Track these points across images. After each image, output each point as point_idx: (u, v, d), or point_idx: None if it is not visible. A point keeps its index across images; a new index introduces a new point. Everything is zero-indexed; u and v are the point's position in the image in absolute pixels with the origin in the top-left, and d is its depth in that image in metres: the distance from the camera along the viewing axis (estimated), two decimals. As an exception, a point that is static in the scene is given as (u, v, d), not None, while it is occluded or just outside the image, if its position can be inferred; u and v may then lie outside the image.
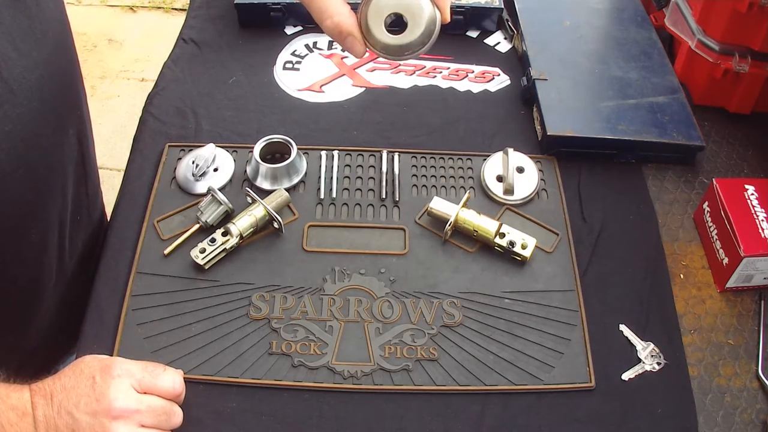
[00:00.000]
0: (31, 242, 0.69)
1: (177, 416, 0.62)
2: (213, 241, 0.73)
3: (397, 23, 0.57)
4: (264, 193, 0.78)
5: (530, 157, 0.84)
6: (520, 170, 0.83)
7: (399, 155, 0.85)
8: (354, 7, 0.58)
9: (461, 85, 0.96)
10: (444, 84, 0.96)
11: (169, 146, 0.85)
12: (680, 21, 0.95)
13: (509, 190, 0.81)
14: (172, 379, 0.63)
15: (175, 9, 2.59)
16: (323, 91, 0.93)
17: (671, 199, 0.84)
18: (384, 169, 0.83)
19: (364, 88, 0.94)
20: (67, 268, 0.77)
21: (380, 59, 0.62)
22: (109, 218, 0.81)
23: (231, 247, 0.74)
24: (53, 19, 0.66)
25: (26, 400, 0.59)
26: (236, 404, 0.64)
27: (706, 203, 0.79)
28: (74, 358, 0.68)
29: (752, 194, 0.75)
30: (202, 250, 0.72)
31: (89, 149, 0.80)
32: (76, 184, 0.76)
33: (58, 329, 0.80)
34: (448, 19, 0.57)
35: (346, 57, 0.98)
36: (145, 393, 0.61)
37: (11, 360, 0.73)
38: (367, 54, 0.59)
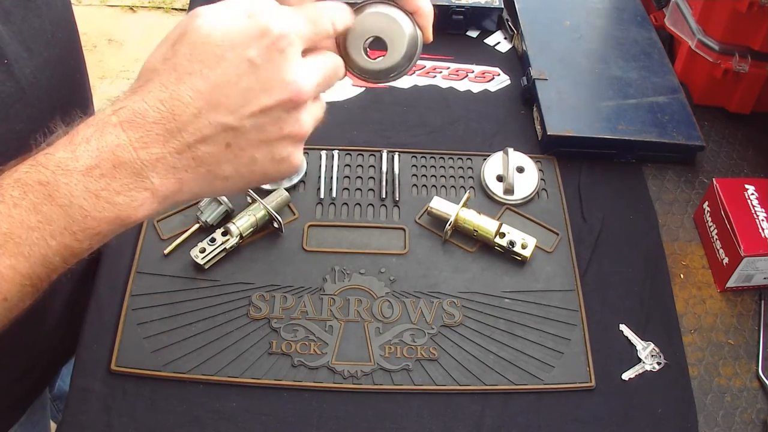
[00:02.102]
0: None
1: (342, 66, 0.49)
2: (213, 240, 0.73)
3: (377, 43, 0.56)
4: (264, 193, 0.78)
5: (530, 157, 0.84)
6: (520, 170, 0.83)
7: (399, 155, 0.85)
8: None
9: (461, 85, 0.96)
10: (444, 84, 0.96)
11: (169, 146, 0.85)
12: (680, 21, 0.95)
13: (509, 190, 0.81)
14: (342, 10, 0.47)
15: (175, 9, 2.59)
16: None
17: (671, 199, 0.84)
18: (384, 168, 0.83)
19: (364, 88, 0.94)
20: (75, 271, 0.77)
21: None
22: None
23: (231, 247, 0.74)
24: (62, 19, 0.66)
25: (114, 145, 0.40)
26: (236, 404, 0.64)
27: (706, 203, 0.79)
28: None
29: (752, 194, 0.75)
30: (202, 250, 0.72)
31: None
32: None
33: (65, 331, 0.80)
34: (431, 39, 0.53)
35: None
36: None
37: (17, 363, 0.73)
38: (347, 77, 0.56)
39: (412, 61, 0.55)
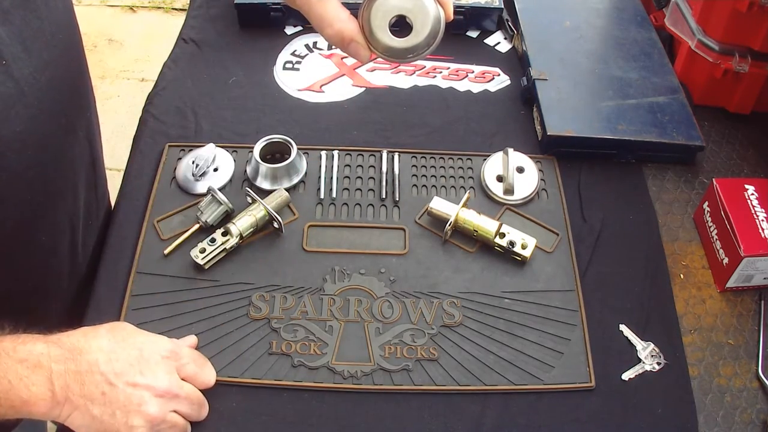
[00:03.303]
0: (41, 245, 0.69)
1: (206, 409, 0.63)
2: (213, 241, 0.73)
3: (398, 24, 0.56)
4: (264, 193, 0.78)
5: (530, 157, 0.84)
6: (520, 170, 0.83)
7: (399, 155, 0.85)
8: (352, 9, 0.58)
9: (461, 85, 0.96)
10: (444, 84, 0.96)
11: (169, 146, 0.85)
12: (680, 21, 0.95)
13: (509, 190, 0.81)
14: (212, 375, 0.64)
15: (175, 9, 2.59)
16: (323, 91, 0.94)
17: (671, 199, 0.84)
18: (384, 169, 0.83)
19: (364, 88, 0.94)
20: (79, 272, 0.77)
21: (379, 60, 0.61)
22: (109, 218, 0.81)
23: (231, 247, 0.74)
24: (63, 20, 0.66)
25: (39, 352, 0.55)
26: (236, 404, 0.64)
27: (706, 203, 0.79)
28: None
29: (752, 194, 0.75)
30: (202, 250, 0.72)
31: (98, 152, 0.80)
32: (86, 188, 0.75)
33: (65, 328, 0.80)
34: (452, 17, 0.56)
35: (346, 57, 0.98)
36: (184, 380, 0.61)
37: None
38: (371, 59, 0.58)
39: (436, 39, 0.56)
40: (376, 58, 0.58)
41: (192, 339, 0.67)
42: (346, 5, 0.59)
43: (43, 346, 0.56)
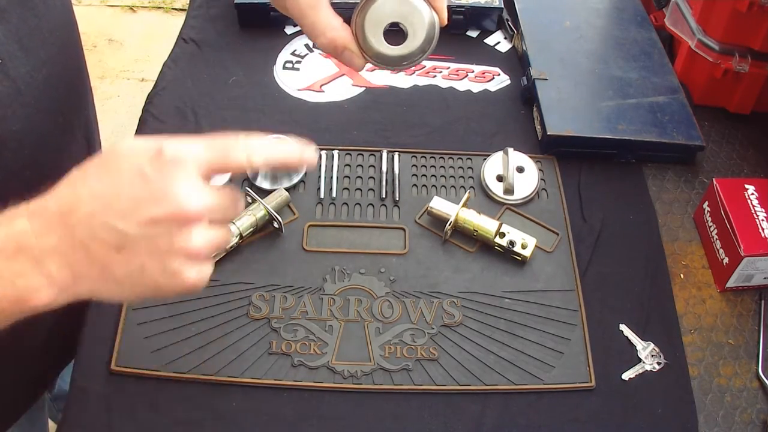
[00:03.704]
0: None
1: (241, 203, 0.50)
2: (213, 240, 0.73)
3: (392, 31, 0.55)
4: (264, 193, 0.78)
5: (530, 157, 0.84)
6: (520, 170, 0.83)
7: (399, 155, 0.85)
8: (346, 12, 0.57)
9: (461, 85, 0.96)
10: (444, 84, 0.96)
11: (169, 146, 0.85)
12: (680, 21, 0.95)
13: (509, 190, 0.81)
14: (247, 148, 0.48)
15: (175, 9, 2.59)
16: (323, 91, 0.94)
17: (671, 199, 0.84)
18: (384, 168, 0.83)
19: (364, 88, 0.94)
20: None
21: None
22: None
23: (231, 247, 0.74)
24: (61, 19, 0.66)
25: (17, 232, 0.44)
26: (236, 404, 0.64)
27: (706, 203, 0.79)
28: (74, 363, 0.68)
29: (752, 194, 0.75)
30: (202, 250, 0.72)
31: (97, 150, 0.80)
32: None
33: (64, 333, 0.80)
34: (446, 22, 0.55)
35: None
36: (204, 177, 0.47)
37: (16, 365, 0.73)
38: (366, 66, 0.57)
39: (431, 44, 0.55)
40: (373, 69, 0.57)
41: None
42: (340, 5, 0.59)
43: (22, 222, 0.44)
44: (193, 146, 0.46)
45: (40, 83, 0.61)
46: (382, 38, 0.54)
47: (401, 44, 0.54)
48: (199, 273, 0.47)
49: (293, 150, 0.51)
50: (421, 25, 0.54)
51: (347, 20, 0.57)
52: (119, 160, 0.45)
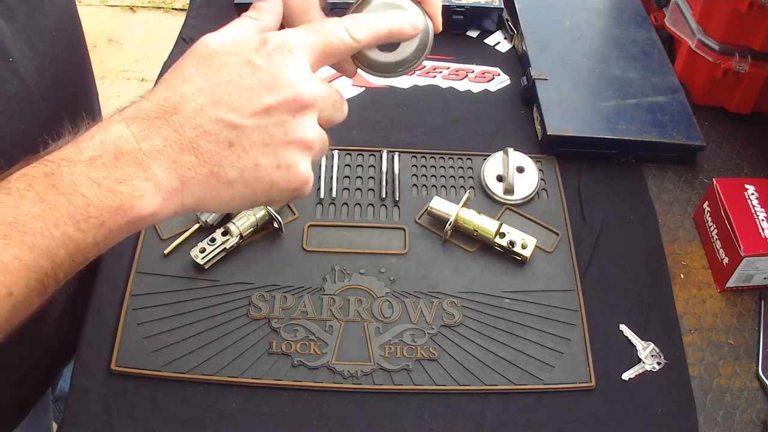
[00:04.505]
0: None
1: (346, 104, 0.48)
2: (213, 240, 0.73)
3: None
4: (264, 193, 0.78)
5: (530, 157, 0.84)
6: (520, 170, 0.83)
7: (399, 155, 0.85)
8: (338, 13, 0.56)
9: (461, 85, 0.96)
10: (444, 84, 0.96)
11: (169, 146, 0.85)
12: (680, 21, 0.95)
13: (509, 190, 0.81)
14: (348, 26, 0.46)
15: (175, 9, 2.59)
16: (323, 91, 0.93)
17: (671, 199, 0.84)
18: (384, 168, 0.83)
19: (364, 88, 0.94)
20: (79, 271, 0.77)
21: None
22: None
23: (231, 247, 0.74)
24: (67, 16, 0.66)
25: (114, 138, 0.41)
26: (236, 404, 0.64)
27: (706, 203, 0.79)
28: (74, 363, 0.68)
29: (752, 194, 0.75)
30: (202, 250, 0.72)
31: None
32: None
33: (67, 332, 0.80)
34: (440, 28, 0.54)
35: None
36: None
37: (20, 365, 0.73)
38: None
39: (424, 51, 0.54)
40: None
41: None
42: (340, 5, 0.58)
43: (119, 127, 0.41)
44: (296, 34, 0.44)
45: (49, 82, 0.61)
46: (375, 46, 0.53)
47: (394, 51, 0.54)
48: (310, 169, 0.44)
49: (397, 18, 0.48)
50: None
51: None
52: (220, 54, 0.43)
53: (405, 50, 0.53)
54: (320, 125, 0.46)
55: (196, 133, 0.41)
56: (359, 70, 0.55)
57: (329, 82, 0.94)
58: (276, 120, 0.42)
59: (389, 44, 0.54)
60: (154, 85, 0.44)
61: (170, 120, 0.41)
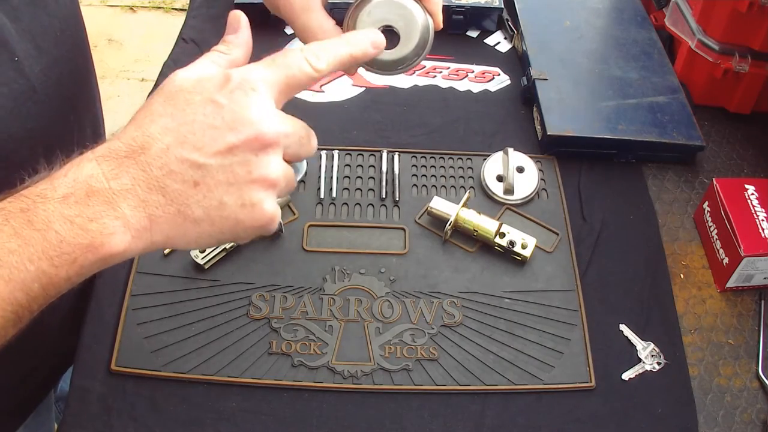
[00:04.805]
0: None
1: (314, 139, 0.48)
2: (213, 240, 0.73)
3: (387, 34, 0.54)
4: (264, 193, 0.78)
5: (530, 157, 0.84)
6: (520, 170, 0.83)
7: (399, 155, 0.85)
8: (338, 13, 0.56)
9: (461, 85, 0.96)
10: (444, 84, 0.96)
11: (169, 146, 0.85)
12: (680, 21, 0.95)
13: (509, 190, 0.81)
14: (309, 56, 0.46)
15: (175, 9, 2.59)
16: (323, 91, 0.94)
17: (671, 199, 0.84)
18: (384, 168, 0.83)
19: (364, 88, 0.94)
20: None
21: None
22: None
23: (231, 247, 0.74)
24: (70, 16, 0.66)
25: (86, 176, 0.42)
26: (236, 404, 0.64)
27: (706, 203, 0.79)
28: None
29: (752, 194, 0.75)
30: (202, 250, 0.72)
31: None
32: None
33: (69, 333, 0.79)
34: (441, 26, 0.54)
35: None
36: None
37: (22, 365, 0.73)
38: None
39: (425, 49, 0.54)
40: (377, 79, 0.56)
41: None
42: (339, 5, 0.58)
43: (90, 165, 0.42)
44: (257, 69, 0.45)
45: (53, 81, 0.61)
46: None
47: (394, 49, 0.53)
48: (276, 205, 0.45)
49: (357, 40, 0.49)
50: (415, 29, 0.53)
51: (340, 23, 0.56)
52: (185, 92, 0.44)
53: (405, 48, 0.53)
54: (286, 161, 0.46)
55: (163, 172, 0.42)
56: (360, 68, 0.55)
57: (330, 82, 0.94)
58: (239, 159, 0.43)
59: (390, 42, 0.53)
60: (128, 122, 0.45)
61: (138, 159, 0.42)
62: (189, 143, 0.42)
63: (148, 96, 0.47)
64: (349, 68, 0.54)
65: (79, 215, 0.41)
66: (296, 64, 0.46)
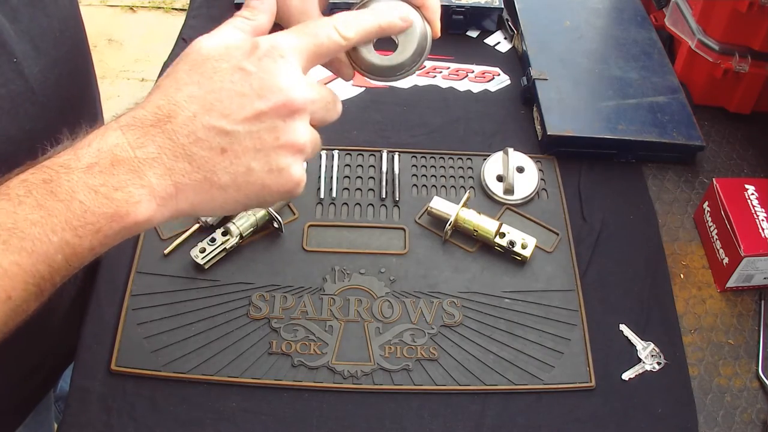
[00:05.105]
0: None
1: (340, 103, 0.49)
2: (213, 240, 0.73)
3: (383, 43, 0.54)
4: (264, 193, 0.78)
5: (530, 157, 0.84)
6: (520, 170, 0.83)
7: (399, 155, 0.85)
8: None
9: (461, 85, 0.96)
10: (444, 84, 0.96)
11: (169, 146, 0.85)
12: (680, 21, 0.95)
13: (509, 190, 0.81)
14: (336, 24, 0.46)
15: (175, 9, 2.59)
16: (323, 91, 0.93)
17: (671, 199, 0.84)
18: (384, 168, 0.83)
19: (364, 88, 0.94)
20: (80, 272, 0.77)
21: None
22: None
23: (231, 247, 0.74)
24: (70, 17, 0.66)
25: (111, 146, 0.42)
26: (236, 404, 0.64)
27: (706, 203, 0.79)
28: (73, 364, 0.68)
29: (752, 194, 0.75)
30: (202, 250, 0.72)
31: None
32: None
33: (70, 332, 0.80)
34: (439, 34, 0.54)
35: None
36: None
37: (23, 364, 0.73)
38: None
39: (422, 56, 0.54)
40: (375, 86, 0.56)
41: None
42: (339, 5, 0.58)
43: (115, 135, 0.42)
44: (286, 37, 0.45)
45: (52, 82, 0.61)
46: (372, 48, 0.53)
47: (392, 55, 0.53)
48: (303, 170, 0.45)
49: (385, 11, 0.49)
50: (413, 36, 0.53)
51: None
52: (212, 60, 0.44)
53: (403, 54, 0.53)
54: (313, 126, 0.46)
55: (190, 140, 0.42)
56: (358, 74, 0.55)
57: (330, 83, 0.94)
58: (267, 125, 0.43)
59: (387, 48, 0.54)
60: (151, 90, 0.45)
61: (164, 128, 0.42)
62: (216, 110, 0.42)
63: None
64: (345, 73, 0.55)
65: (104, 184, 0.41)
66: (325, 32, 0.46)
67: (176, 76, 0.44)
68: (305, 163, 0.47)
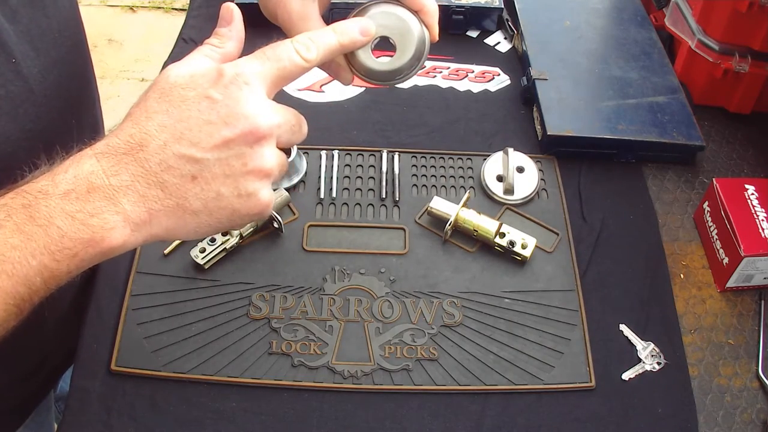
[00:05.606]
0: None
1: (305, 125, 0.50)
2: (213, 240, 0.73)
3: (382, 46, 0.54)
4: (264, 193, 0.78)
5: (530, 157, 0.84)
6: (520, 170, 0.83)
7: (399, 155, 0.85)
8: (340, 14, 0.56)
9: (461, 85, 0.96)
10: (444, 84, 0.96)
11: (169, 146, 0.85)
12: (680, 21, 0.95)
13: (509, 190, 0.81)
14: (298, 47, 0.48)
15: (175, 9, 2.59)
16: (323, 91, 0.93)
17: (671, 199, 0.84)
18: (384, 168, 0.83)
19: (364, 88, 0.94)
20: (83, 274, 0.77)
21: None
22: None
23: (231, 247, 0.74)
24: (69, 18, 0.66)
25: (87, 173, 0.43)
26: (236, 404, 0.64)
27: (706, 203, 0.79)
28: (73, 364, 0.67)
29: (752, 194, 0.75)
30: (202, 250, 0.72)
31: None
32: None
33: (70, 333, 0.80)
34: (437, 38, 0.54)
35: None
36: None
37: (23, 365, 0.73)
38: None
39: (420, 60, 0.54)
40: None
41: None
42: (340, 5, 0.58)
43: (90, 162, 0.43)
44: (249, 63, 0.46)
45: (52, 83, 0.61)
46: (371, 53, 0.53)
47: (390, 60, 0.53)
48: (271, 193, 0.47)
49: (346, 29, 0.50)
50: (411, 40, 0.53)
51: None
52: (179, 88, 0.45)
53: (401, 59, 0.53)
54: (280, 148, 0.48)
55: (161, 168, 0.44)
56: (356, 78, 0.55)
57: (330, 82, 0.94)
58: (235, 152, 0.45)
59: (386, 52, 0.54)
60: (124, 118, 0.46)
61: (137, 156, 0.44)
62: (186, 139, 0.44)
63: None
64: (344, 77, 0.55)
65: (80, 211, 0.43)
66: (287, 55, 0.47)
67: (146, 105, 0.45)
68: (273, 186, 0.48)
